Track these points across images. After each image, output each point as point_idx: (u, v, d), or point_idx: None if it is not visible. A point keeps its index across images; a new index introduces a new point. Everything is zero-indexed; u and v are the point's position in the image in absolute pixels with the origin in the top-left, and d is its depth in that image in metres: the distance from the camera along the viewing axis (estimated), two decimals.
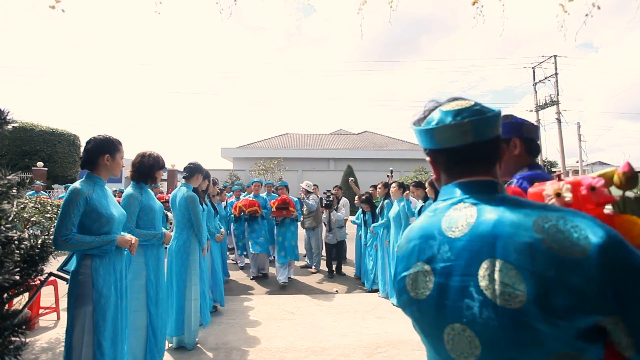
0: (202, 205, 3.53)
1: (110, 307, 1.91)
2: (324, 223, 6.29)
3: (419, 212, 4.11)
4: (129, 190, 2.45)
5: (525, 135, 1.42)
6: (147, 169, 2.50)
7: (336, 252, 6.08)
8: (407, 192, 4.55)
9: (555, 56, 20.13)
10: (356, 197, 6.49)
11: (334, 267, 6.06)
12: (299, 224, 5.87)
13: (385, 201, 4.89)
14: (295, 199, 5.71)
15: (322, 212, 6.29)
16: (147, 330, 2.36)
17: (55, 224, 1.84)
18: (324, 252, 6.43)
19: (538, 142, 1.47)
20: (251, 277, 5.64)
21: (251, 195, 6.14)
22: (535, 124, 1.52)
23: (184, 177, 3.35)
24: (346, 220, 6.31)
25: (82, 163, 2.02)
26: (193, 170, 3.30)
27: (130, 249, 2.05)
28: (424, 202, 4.12)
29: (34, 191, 9.84)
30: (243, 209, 5.55)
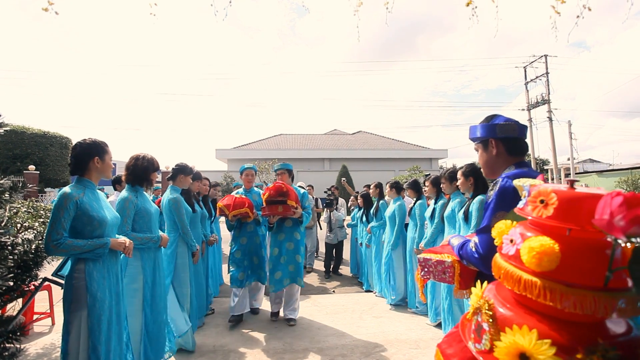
0: (193, 207, 3.52)
1: (105, 311, 1.90)
2: (325, 223, 6.25)
3: (410, 211, 4.14)
4: (123, 193, 2.44)
5: (499, 135, 1.43)
6: (142, 171, 2.49)
7: (336, 252, 6.10)
8: (403, 191, 4.57)
9: (545, 56, 20.37)
10: (352, 198, 6.51)
11: (331, 267, 6.08)
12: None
13: (381, 202, 4.91)
14: (302, 190, 3.86)
15: (322, 212, 6.26)
16: (141, 334, 2.35)
17: (46, 230, 1.83)
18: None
19: (521, 140, 1.46)
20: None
21: (241, 190, 4.00)
22: (523, 123, 1.50)
23: (168, 179, 3.36)
24: (345, 220, 6.33)
25: (71, 169, 2.01)
26: (176, 172, 3.31)
27: (125, 252, 2.04)
28: (417, 202, 4.14)
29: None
30: (225, 210, 3.56)
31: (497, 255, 0.87)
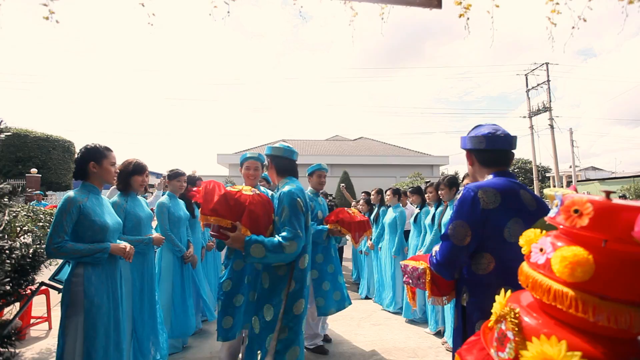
0: (193, 213, 3.54)
1: (103, 317, 1.89)
2: None
3: (415, 219, 4.10)
4: (114, 198, 2.50)
5: (468, 147, 1.48)
6: (118, 176, 2.54)
7: None
8: (403, 197, 4.56)
9: (547, 63, 20.44)
10: (353, 202, 6.50)
11: None
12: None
13: (381, 209, 4.90)
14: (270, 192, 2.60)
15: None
16: (131, 339, 2.36)
17: (48, 232, 1.84)
18: None
19: (492, 152, 1.43)
20: None
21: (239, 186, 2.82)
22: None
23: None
24: None
25: (74, 174, 2.05)
26: (169, 178, 3.37)
27: (125, 257, 2.04)
28: (421, 209, 4.11)
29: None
30: (208, 220, 1.96)
31: (524, 263, 0.86)
